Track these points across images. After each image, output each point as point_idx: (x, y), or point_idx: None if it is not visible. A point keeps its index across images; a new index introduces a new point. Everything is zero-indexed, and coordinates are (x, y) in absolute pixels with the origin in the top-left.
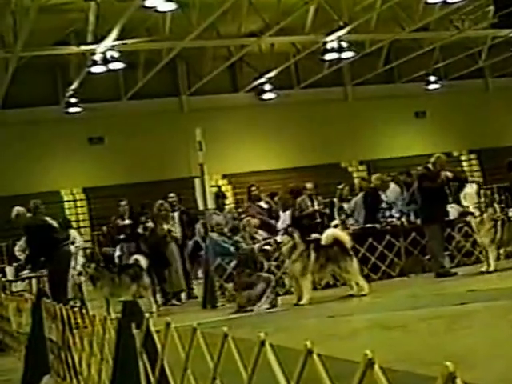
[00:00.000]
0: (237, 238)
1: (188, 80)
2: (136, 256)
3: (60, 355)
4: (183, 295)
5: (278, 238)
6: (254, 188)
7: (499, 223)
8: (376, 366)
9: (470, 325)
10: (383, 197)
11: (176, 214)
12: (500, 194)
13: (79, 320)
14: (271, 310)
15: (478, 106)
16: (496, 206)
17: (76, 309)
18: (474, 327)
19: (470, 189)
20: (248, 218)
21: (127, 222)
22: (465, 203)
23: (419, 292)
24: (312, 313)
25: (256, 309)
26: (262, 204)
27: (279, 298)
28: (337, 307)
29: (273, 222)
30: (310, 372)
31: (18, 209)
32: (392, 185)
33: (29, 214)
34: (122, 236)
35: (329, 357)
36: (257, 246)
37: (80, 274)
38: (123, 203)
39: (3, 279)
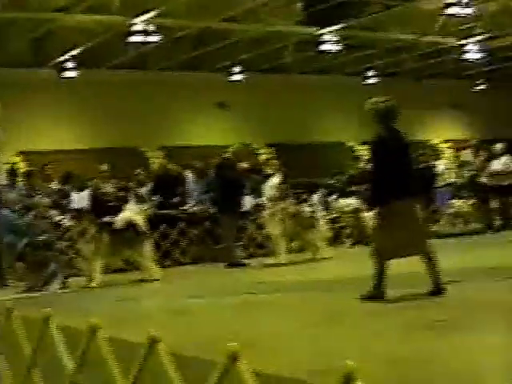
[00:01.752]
0: (29, 216)
1: None
2: None
3: None
4: None
5: (67, 222)
6: (48, 167)
7: (288, 216)
8: (161, 345)
9: (255, 315)
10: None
11: None
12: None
13: None
14: (62, 291)
15: (279, 101)
16: (291, 199)
17: None
18: (258, 318)
19: (275, 180)
20: (40, 196)
21: None
22: (267, 194)
23: (209, 280)
24: (102, 296)
25: (47, 289)
26: (53, 185)
27: (70, 279)
28: (127, 291)
29: (64, 201)
30: (93, 353)
31: None
32: (188, 173)
33: None
34: None
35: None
36: (48, 225)
37: None
38: None
39: None
